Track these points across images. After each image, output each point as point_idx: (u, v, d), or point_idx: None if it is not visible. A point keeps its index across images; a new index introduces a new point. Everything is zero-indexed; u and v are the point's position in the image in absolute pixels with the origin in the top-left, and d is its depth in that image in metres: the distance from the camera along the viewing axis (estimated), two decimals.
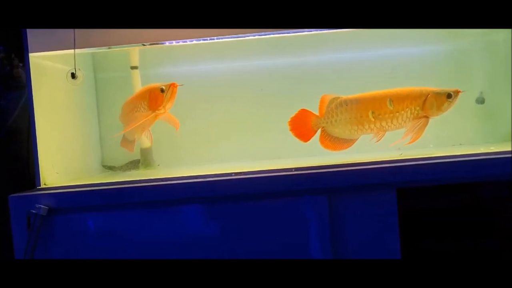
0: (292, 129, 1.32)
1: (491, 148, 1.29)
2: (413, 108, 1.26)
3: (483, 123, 1.66)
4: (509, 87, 1.63)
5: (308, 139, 1.33)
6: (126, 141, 1.43)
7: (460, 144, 1.62)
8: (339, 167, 1.19)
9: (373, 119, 1.27)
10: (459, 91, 1.27)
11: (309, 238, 1.19)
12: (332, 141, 1.31)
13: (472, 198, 1.23)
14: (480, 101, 1.63)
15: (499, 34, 1.61)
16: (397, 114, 1.27)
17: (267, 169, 1.24)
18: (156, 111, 1.27)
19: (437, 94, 1.26)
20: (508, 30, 1.61)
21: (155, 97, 1.26)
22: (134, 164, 1.59)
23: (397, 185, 1.18)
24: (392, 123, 1.28)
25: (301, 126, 1.32)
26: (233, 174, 1.21)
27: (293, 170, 1.21)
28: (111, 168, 1.63)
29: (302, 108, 1.33)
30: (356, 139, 1.33)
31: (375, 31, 1.57)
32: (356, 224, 1.18)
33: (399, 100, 1.27)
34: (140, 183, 1.23)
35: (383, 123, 1.27)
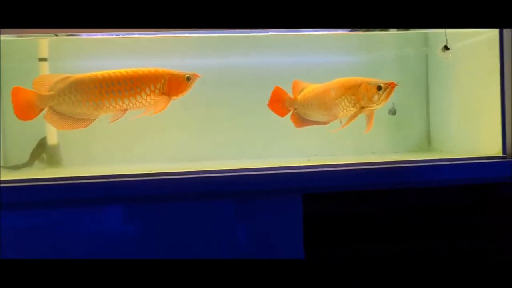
0: (270, 104, 1.42)
1: (393, 157, 1.35)
2: (348, 97, 1.29)
3: (396, 133, 1.73)
4: (418, 99, 1.73)
5: (284, 115, 1.43)
6: (72, 120, 1.28)
7: (373, 152, 1.68)
8: (245, 171, 1.19)
9: (328, 105, 1.33)
10: (393, 84, 1.27)
11: (214, 239, 1.18)
12: (302, 121, 1.41)
13: (375, 205, 1.28)
14: (392, 112, 1.70)
15: (410, 48, 1.70)
16: (337, 101, 1.30)
17: (175, 171, 1.21)
18: (173, 97, 1.27)
19: (369, 85, 1.27)
20: (420, 44, 1.71)
21: (178, 84, 1.26)
22: (37, 151, 1.49)
23: (302, 191, 1.20)
24: (337, 110, 1.31)
25: (277, 103, 1.42)
26: (138, 175, 1.18)
27: (201, 173, 1.19)
28: (15, 167, 1.52)
29: (276, 86, 1.41)
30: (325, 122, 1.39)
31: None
32: (261, 227, 1.19)
33: (336, 88, 1.31)
34: (43, 181, 1.17)
35: (333, 110, 1.32)
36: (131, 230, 1.17)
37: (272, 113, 1.52)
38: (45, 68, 1.47)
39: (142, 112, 1.30)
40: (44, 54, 1.47)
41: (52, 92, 1.24)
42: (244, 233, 1.19)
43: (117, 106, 1.25)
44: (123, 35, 1.41)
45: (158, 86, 1.25)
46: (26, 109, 1.23)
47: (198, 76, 1.29)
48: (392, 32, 1.64)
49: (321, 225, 1.23)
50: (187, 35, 1.33)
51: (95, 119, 1.28)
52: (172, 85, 1.26)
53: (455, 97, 1.60)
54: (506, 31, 1.31)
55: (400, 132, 1.73)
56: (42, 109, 1.24)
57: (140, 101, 1.25)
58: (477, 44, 1.45)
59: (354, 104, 1.28)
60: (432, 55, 1.70)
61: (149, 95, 1.25)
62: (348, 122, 1.31)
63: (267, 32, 1.40)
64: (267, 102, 1.49)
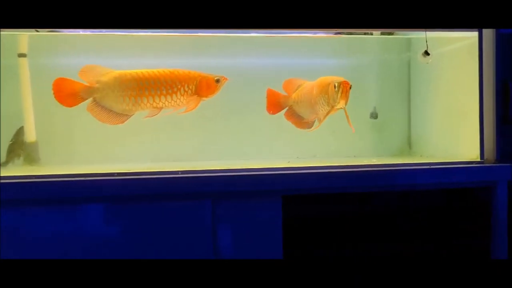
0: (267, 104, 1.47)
1: (373, 160, 1.36)
2: (323, 95, 1.30)
3: (378, 137, 1.75)
4: (400, 104, 1.74)
5: (276, 113, 1.47)
6: (112, 114, 1.34)
7: (355, 156, 1.69)
8: (225, 172, 1.19)
9: (312, 103, 1.35)
10: (345, 83, 1.28)
11: (194, 239, 1.18)
12: (296, 117, 1.44)
13: (353, 207, 1.28)
14: (374, 116, 1.71)
15: (392, 53, 1.71)
16: (316, 99, 1.33)
17: (154, 170, 1.20)
18: (203, 98, 1.35)
19: (333, 84, 1.29)
20: (402, 50, 1.73)
21: (208, 85, 1.34)
22: (14, 147, 1.47)
23: (282, 192, 1.20)
24: (317, 108, 1.34)
25: (271, 103, 1.46)
26: (116, 174, 1.16)
27: (180, 173, 1.18)
28: (4, 164, 1.49)
29: (268, 88, 1.46)
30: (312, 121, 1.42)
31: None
32: (241, 228, 1.19)
33: (316, 87, 1.33)
34: (20, 179, 1.15)
35: (315, 108, 1.35)
36: (110, 230, 1.16)
37: (258, 114, 1.53)
38: (24, 64, 1.44)
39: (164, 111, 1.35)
40: (24, 50, 1.44)
41: (97, 85, 1.30)
42: (224, 233, 1.19)
43: (154, 103, 1.31)
44: (106, 32, 1.41)
45: (191, 87, 1.33)
46: (68, 98, 1.30)
47: (226, 79, 1.36)
48: (377, 36, 1.65)
49: (300, 226, 1.23)
50: (167, 34, 1.34)
51: (131, 116, 1.34)
52: (202, 86, 1.34)
53: (436, 102, 1.62)
54: (485, 36, 1.33)
55: (381, 136, 1.74)
56: (84, 100, 1.30)
57: (175, 100, 1.32)
58: (457, 51, 1.47)
59: (327, 103, 1.29)
60: (415, 61, 1.72)
61: (183, 95, 1.33)
62: (321, 121, 1.33)
63: (257, 33, 1.42)
64: (252, 103, 1.50)
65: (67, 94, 1.29)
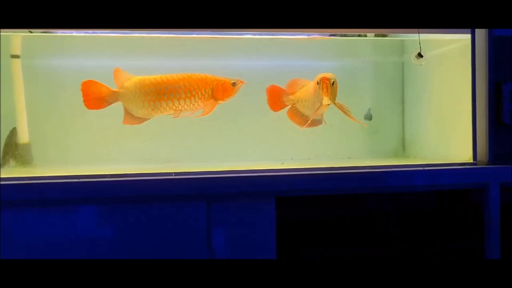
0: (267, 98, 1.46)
1: (366, 162, 1.36)
2: (318, 95, 1.29)
3: (372, 139, 1.75)
4: (394, 105, 1.75)
5: (278, 110, 1.46)
6: (132, 118, 1.38)
7: (349, 157, 1.70)
8: (220, 173, 1.19)
9: (311, 101, 1.34)
10: (324, 79, 1.27)
11: (188, 240, 1.18)
12: (299, 117, 1.43)
13: (347, 209, 1.29)
14: (368, 117, 1.72)
15: (386, 55, 1.72)
16: (313, 98, 1.31)
17: (146, 172, 1.20)
18: (219, 101, 1.38)
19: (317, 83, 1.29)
20: (396, 53, 1.74)
21: (224, 89, 1.37)
22: (8, 149, 1.46)
23: (276, 194, 1.20)
24: (315, 106, 1.32)
25: (273, 98, 1.45)
26: (108, 175, 1.16)
27: (173, 174, 1.18)
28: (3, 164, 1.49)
29: (272, 84, 1.45)
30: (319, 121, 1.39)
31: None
32: (235, 229, 1.19)
33: (314, 84, 1.31)
34: (16, 180, 1.15)
35: (314, 106, 1.33)
36: (105, 231, 1.15)
37: (252, 116, 1.56)
38: (17, 66, 1.44)
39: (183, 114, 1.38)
40: (17, 51, 1.44)
41: (122, 90, 1.33)
42: (218, 234, 1.19)
43: (174, 107, 1.34)
44: (100, 33, 1.40)
45: (207, 91, 1.36)
46: (95, 101, 1.33)
47: (243, 82, 1.38)
48: (371, 38, 1.66)
49: (294, 228, 1.23)
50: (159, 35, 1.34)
51: (149, 118, 1.37)
52: (219, 90, 1.37)
53: (430, 104, 1.63)
54: (478, 38, 1.34)
55: (375, 138, 1.74)
56: (109, 104, 1.34)
57: (194, 103, 1.35)
58: (450, 53, 1.48)
59: (320, 102, 1.28)
60: (408, 63, 1.72)
61: (200, 99, 1.36)
62: (310, 118, 1.33)
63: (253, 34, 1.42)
64: (246, 105, 1.51)
65: (94, 97, 1.32)
